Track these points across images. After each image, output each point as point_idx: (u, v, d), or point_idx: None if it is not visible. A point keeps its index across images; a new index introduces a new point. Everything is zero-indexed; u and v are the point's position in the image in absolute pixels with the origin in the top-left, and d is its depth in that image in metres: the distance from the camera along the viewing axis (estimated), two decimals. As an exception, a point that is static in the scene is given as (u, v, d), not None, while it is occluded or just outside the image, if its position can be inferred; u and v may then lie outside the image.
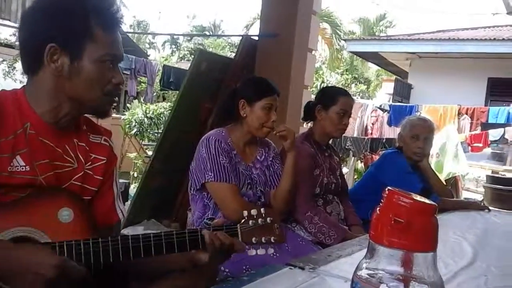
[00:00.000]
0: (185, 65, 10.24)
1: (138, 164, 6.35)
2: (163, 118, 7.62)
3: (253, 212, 1.20)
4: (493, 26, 12.29)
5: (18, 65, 10.25)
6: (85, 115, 1.23)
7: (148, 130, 7.87)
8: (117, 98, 1.23)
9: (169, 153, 3.66)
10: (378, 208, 0.84)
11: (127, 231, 2.98)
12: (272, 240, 1.20)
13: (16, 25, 11.31)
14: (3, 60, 10.81)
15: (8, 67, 10.69)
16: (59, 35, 1.07)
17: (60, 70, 1.08)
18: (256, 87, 1.96)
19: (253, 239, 1.18)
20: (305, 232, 2.10)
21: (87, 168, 1.18)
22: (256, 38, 4.12)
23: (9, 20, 12.06)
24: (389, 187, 0.84)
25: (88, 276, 1.01)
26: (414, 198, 0.81)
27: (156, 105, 8.34)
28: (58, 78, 1.09)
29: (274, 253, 1.77)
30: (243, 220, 1.20)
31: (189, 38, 19.50)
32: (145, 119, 7.72)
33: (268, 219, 1.21)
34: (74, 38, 1.08)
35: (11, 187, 1.04)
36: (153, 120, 7.78)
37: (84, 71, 1.09)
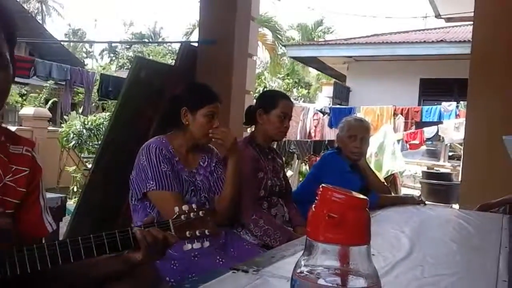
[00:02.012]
0: (125, 74, 9.95)
1: (77, 178, 6.10)
2: (103, 129, 7.37)
3: (185, 207, 1.20)
4: (423, 30, 13.00)
5: None
6: (4, 126, 1.17)
7: (88, 142, 7.58)
8: None
9: (109, 165, 3.53)
10: (313, 206, 0.86)
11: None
12: (206, 233, 1.20)
13: None
14: None
15: None
16: None
17: None
18: (198, 94, 1.95)
19: (187, 233, 1.18)
20: (251, 235, 2.11)
21: (8, 180, 1.12)
22: (196, 44, 4.11)
23: None
24: (323, 185, 0.86)
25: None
26: (347, 193, 0.84)
27: (95, 116, 8.07)
28: None
29: (220, 259, 1.77)
30: (175, 216, 1.19)
31: (128, 46, 19.06)
32: (84, 130, 7.43)
33: (200, 212, 1.21)
34: None
35: None
36: (93, 132, 7.50)
37: None
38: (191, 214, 1.19)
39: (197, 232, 1.18)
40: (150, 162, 1.78)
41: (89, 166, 6.64)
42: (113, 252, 1.10)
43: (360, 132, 2.65)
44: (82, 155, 7.53)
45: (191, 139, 1.92)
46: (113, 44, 18.82)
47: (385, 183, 3.85)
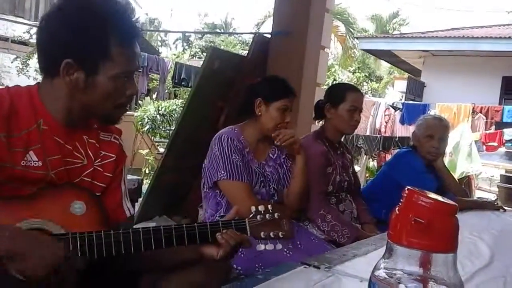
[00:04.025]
0: (197, 63, 10.25)
1: (149, 161, 6.38)
2: (175, 115, 7.63)
3: (261, 208, 1.22)
4: (508, 24, 12.11)
5: (31, 62, 10.35)
6: None
7: (160, 127, 7.89)
8: (127, 107, 1.23)
9: (180, 150, 3.66)
10: (397, 208, 0.83)
11: (139, 226, 3.00)
12: (280, 235, 1.21)
13: (31, 22, 11.43)
14: (17, 57, 10.92)
15: (22, 64, 10.80)
16: (76, 51, 1.06)
17: (75, 83, 1.09)
18: (274, 87, 1.95)
19: (262, 233, 1.20)
20: (318, 230, 2.09)
21: (97, 165, 1.20)
22: (269, 36, 4.11)
23: (23, 18, 12.20)
24: (408, 187, 0.83)
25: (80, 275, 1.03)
26: (435, 198, 0.80)
27: (168, 102, 8.37)
28: (72, 89, 1.10)
29: (287, 251, 1.78)
30: (251, 215, 1.21)
31: (200, 36, 19.53)
32: (158, 116, 7.74)
33: (275, 214, 1.22)
34: (91, 56, 1.08)
35: (25, 182, 1.06)
36: (165, 117, 7.79)
37: (99, 87, 1.10)
38: (267, 215, 1.21)
39: (271, 234, 1.19)
40: (222, 152, 1.81)
41: (161, 150, 6.92)
42: (190, 244, 1.13)
43: (438, 132, 2.52)
44: (155, 139, 7.87)
45: (261, 130, 1.93)
46: (187, 34, 19.38)
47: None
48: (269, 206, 1.23)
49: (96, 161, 1.20)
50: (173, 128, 7.44)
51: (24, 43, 10.59)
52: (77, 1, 1.11)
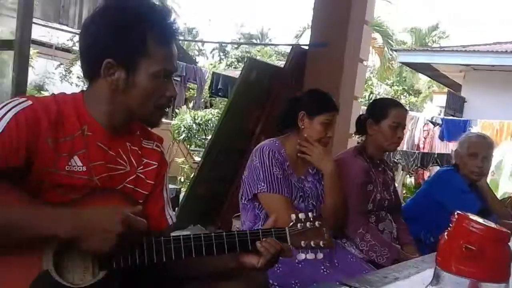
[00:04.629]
0: (232, 73, 10.34)
1: (185, 169, 6.45)
2: (211, 124, 7.71)
3: (301, 216, 1.20)
4: (555, 39, 11.62)
5: (74, 69, 10.71)
6: None
7: (196, 136, 7.98)
8: (167, 109, 1.25)
9: (216, 160, 3.69)
10: (446, 233, 0.80)
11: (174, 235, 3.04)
12: (321, 245, 1.19)
13: (74, 30, 11.86)
14: (61, 64, 11.33)
15: (65, 71, 11.19)
16: (116, 51, 1.10)
17: (116, 83, 1.12)
18: (319, 100, 1.93)
19: (302, 242, 1.18)
20: (356, 249, 2.03)
21: (139, 172, 1.21)
22: (306, 47, 4.10)
23: (67, 25, 12.68)
24: (458, 211, 0.80)
25: (148, 229, 1.07)
26: (487, 224, 0.77)
27: (204, 112, 8.46)
28: (113, 90, 1.13)
29: (325, 269, 1.74)
30: (291, 223, 1.20)
31: (236, 46, 19.73)
32: (194, 125, 7.84)
33: (316, 223, 1.20)
34: (131, 54, 1.10)
35: (70, 188, 1.08)
36: (201, 126, 7.88)
37: (139, 85, 1.12)
38: (308, 224, 1.19)
39: (312, 243, 1.17)
40: (263, 164, 1.80)
41: (196, 158, 6.99)
42: (230, 252, 1.14)
43: (482, 150, 2.43)
44: (190, 148, 7.96)
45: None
46: (223, 44, 19.64)
47: (503, 206, 3.49)
48: (310, 214, 1.21)
49: (139, 168, 1.21)
50: (208, 138, 7.54)
51: (67, 50, 10.98)
52: (116, 4, 1.15)
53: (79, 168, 1.09)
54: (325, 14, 4.00)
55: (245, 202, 1.88)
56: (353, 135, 4.03)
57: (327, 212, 1.90)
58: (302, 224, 1.19)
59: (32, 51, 8.24)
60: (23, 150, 1.01)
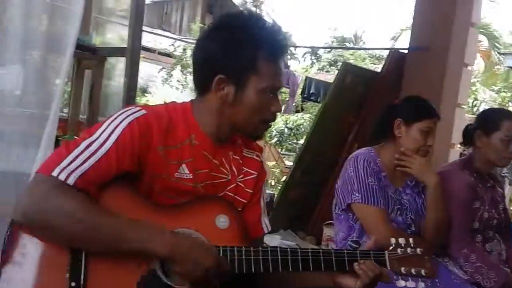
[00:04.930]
0: (324, 76, 10.23)
1: (276, 173, 6.51)
2: (302, 129, 7.70)
3: (401, 240, 1.15)
4: None
5: (175, 73, 11.33)
6: None
7: (287, 140, 8.02)
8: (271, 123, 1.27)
9: (308, 166, 3.67)
10: None
11: (265, 239, 3.05)
12: (423, 273, 1.12)
13: (175, 36, 12.55)
14: (162, 68, 12.04)
15: (166, 75, 11.87)
16: (228, 67, 1.14)
17: (225, 98, 1.16)
18: (417, 106, 1.84)
19: (402, 269, 1.13)
20: (460, 270, 1.88)
21: (239, 181, 1.25)
22: (405, 51, 3.93)
23: (169, 32, 13.46)
24: None
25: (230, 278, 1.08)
26: None
27: (296, 116, 8.48)
28: (222, 104, 1.17)
29: (425, 289, 1.63)
30: (391, 248, 1.15)
31: (329, 50, 19.51)
32: (285, 129, 7.89)
33: (418, 249, 1.14)
34: (241, 71, 1.14)
35: (177, 193, 1.14)
36: (293, 131, 7.92)
37: (247, 101, 1.15)
38: (408, 250, 1.14)
39: (412, 270, 1.12)
40: (357, 174, 1.74)
41: (287, 162, 7.02)
42: (326, 270, 1.12)
43: None
44: (281, 152, 8.02)
45: (397, 153, 1.81)
46: (315, 48, 19.51)
47: None
48: (410, 240, 1.15)
49: (239, 177, 1.25)
50: (299, 142, 7.53)
51: (169, 55, 11.64)
52: (230, 21, 1.19)
53: (187, 176, 1.14)
54: (427, 15, 3.81)
55: (339, 212, 1.84)
56: (458, 145, 3.78)
57: (428, 228, 1.79)
58: (403, 249, 1.14)
59: (138, 56, 8.84)
60: (136, 157, 1.08)
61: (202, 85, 1.19)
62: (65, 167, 1.01)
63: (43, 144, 1.76)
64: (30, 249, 1.01)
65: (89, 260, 1.02)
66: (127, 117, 1.10)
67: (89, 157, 1.03)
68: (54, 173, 1.00)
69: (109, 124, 1.09)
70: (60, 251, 1.01)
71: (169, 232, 1.04)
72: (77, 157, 1.02)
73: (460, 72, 3.79)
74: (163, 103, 1.24)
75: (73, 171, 1.01)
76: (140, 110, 1.12)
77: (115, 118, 1.10)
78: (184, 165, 1.15)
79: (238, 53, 1.14)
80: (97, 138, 1.06)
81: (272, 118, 1.22)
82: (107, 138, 1.06)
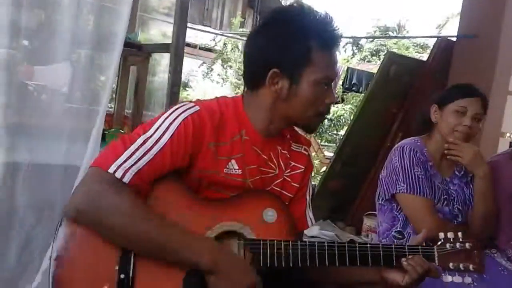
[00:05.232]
0: (366, 66, 10.02)
1: (315, 164, 6.48)
2: (343, 120, 7.60)
3: (450, 235, 1.13)
4: None
5: (215, 67, 11.46)
6: None
7: (327, 131, 7.95)
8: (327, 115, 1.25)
9: (349, 157, 3.63)
10: None
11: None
12: (471, 268, 1.11)
13: (216, 31, 12.68)
14: (203, 63, 12.20)
15: (207, 69, 12.02)
16: (282, 61, 1.13)
17: (279, 92, 1.15)
18: (450, 89, 1.80)
19: (450, 264, 1.11)
20: (507, 261, 1.82)
21: (286, 175, 1.24)
22: (454, 39, 3.79)
23: (210, 27, 13.60)
24: None
25: None
26: None
27: (336, 107, 8.39)
28: (276, 98, 1.16)
29: (472, 282, 1.59)
30: (439, 242, 1.13)
31: (371, 40, 19.08)
32: (326, 120, 7.83)
33: (467, 244, 1.12)
34: (296, 64, 1.13)
35: (225, 187, 1.15)
36: (333, 122, 7.83)
37: (301, 93, 1.14)
38: (457, 244, 1.12)
39: (461, 266, 1.10)
40: (403, 163, 1.70)
41: (326, 153, 6.96)
42: (374, 265, 1.11)
43: None
44: (321, 143, 7.97)
45: (442, 141, 1.76)
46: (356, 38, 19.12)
47: None
48: (459, 234, 1.13)
49: (286, 172, 1.25)
50: (339, 133, 7.44)
51: (209, 49, 11.78)
52: (280, 15, 1.18)
53: (236, 171, 1.15)
54: (477, 2, 3.65)
55: (382, 202, 1.81)
56: (508, 134, 3.62)
57: (476, 219, 1.74)
58: (452, 244, 1.12)
59: (181, 51, 9.00)
60: (189, 154, 1.09)
61: (254, 80, 1.18)
62: (121, 164, 1.01)
63: (92, 139, 1.82)
64: (81, 241, 1.03)
65: (137, 263, 1.02)
66: (181, 113, 1.10)
67: (144, 154, 1.04)
68: (111, 170, 1.00)
69: (164, 120, 1.09)
70: (110, 251, 1.02)
71: (215, 246, 1.04)
72: (133, 153, 1.03)
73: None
74: (214, 98, 1.23)
75: (129, 168, 1.01)
76: (194, 106, 1.12)
77: (170, 114, 1.10)
78: (233, 161, 1.15)
79: (291, 45, 1.12)
80: (152, 134, 1.07)
81: (327, 110, 1.20)
82: (162, 135, 1.07)
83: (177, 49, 2.33)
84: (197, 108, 1.12)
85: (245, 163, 1.16)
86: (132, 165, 1.02)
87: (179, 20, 2.28)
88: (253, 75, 1.19)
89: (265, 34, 1.16)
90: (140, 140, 1.06)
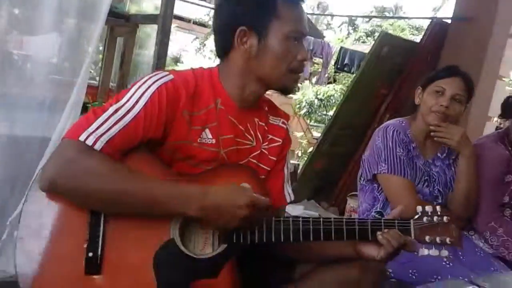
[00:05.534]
0: (360, 47, 9.93)
1: (303, 144, 6.47)
2: (333, 100, 7.56)
3: (428, 208, 1.12)
4: None
5: (208, 43, 11.30)
6: (267, 96, 1.27)
7: (317, 112, 7.91)
8: (301, 74, 1.22)
9: (337, 137, 3.63)
10: None
11: (288, 208, 3.04)
12: (448, 241, 1.10)
13: (211, 5, 12.47)
14: (196, 38, 12.05)
15: (200, 44, 11.87)
16: (248, 17, 1.10)
17: (249, 51, 1.12)
18: (435, 71, 1.77)
19: (427, 237, 1.10)
20: (485, 243, 1.84)
21: (264, 148, 1.22)
22: (448, 21, 3.75)
23: (205, 1, 13.38)
24: None
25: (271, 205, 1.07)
26: None
27: (327, 87, 8.33)
28: (247, 58, 1.13)
29: (447, 262, 1.60)
30: (416, 216, 1.12)
31: (367, 20, 18.91)
32: (316, 100, 7.77)
33: (444, 217, 1.11)
34: (261, 18, 1.11)
35: (199, 159, 1.12)
36: (323, 102, 7.78)
37: (271, 49, 1.12)
38: (435, 218, 1.10)
39: (437, 239, 1.09)
40: (385, 144, 1.69)
41: (315, 134, 6.95)
42: (349, 239, 1.10)
43: None
44: (310, 123, 7.94)
45: (424, 123, 1.75)
46: (353, 18, 18.96)
47: None
48: (438, 208, 1.12)
49: (264, 144, 1.22)
50: (329, 114, 7.42)
51: (203, 24, 11.62)
52: None
53: (209, 141, 1.12)
54: (473, -16, 3.61)
55: (364, 183, 1.80)
56: (495, 118, 3.63)
57: (457, 199, 1.74)
58: (429, 218, 1.10)
59: (172, 25, 8.87)
60: (163, 123, 1.06)
61: (224, 45, 1.16)
62: (92, 132, 0.98)
63: (67, 110, 1.77)
64: (47, 217, 1.00)
65: (107, 231, 1.01)
66: (155, 81, 1.07)
67: (116, 122, 1.01)
68: (81, 138, 0.98)
69: (137, 89, 1.07)
70: (79, 220, 1.00)
71: (201, 193, 1.01)
72: (104, 122, 1.00)
73: (504, 43, 3.61)
74: (190, 68, 1.20)
75: (100, 136, 0.98)
76: (168, 75, 1.10)
77: (144, 83, 1.08)
78: (207, 130, 1.13)
79: (256, 2, 1.11)
80: (125, 103, 1.04)
81: (300, 68, 1.17)
82: (135, 103, 1.04)
83: (165, 20, 2.27)
84: (171, 76, 1.10)
85: (219, 133, 1.14)
86: (104, 133, 0.99)
87: (168, -12, 2.22)
88: (222, 39, 1.17)
89: None
90: (111, 109, 1.03)
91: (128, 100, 1.05)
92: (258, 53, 1.12)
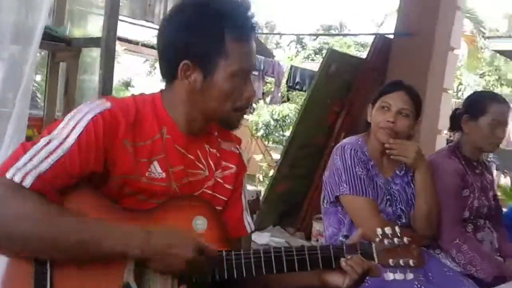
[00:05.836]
0: (310, 65, 10.15)
1: (263, 167, 6.38)
2: (288, 120, 7.58)
3: (387, 230, 1.08)
4: None
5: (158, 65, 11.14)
6: None
7: (274, 132, 7.89)
8: (247, 110, 1.18)
9: (295, 158, 3.60)
10: None
11: (254, 237, 2.95)
12: (411, 264, 1.06)
13: (157, 27, 12.38)
14: (146, 60, 11.85)
15: (150, 67, 11.68)
16: (193, 52, 1.03)
17: (193, 85, 1.05)
18: (382, 87, 1.79)
19: (390, 261, 1.06)
20: (452, 261, 1.82)
21: (217, 176, 1.15)
22: (391, 36, 3.87)
23: (153, 23, 13.24)
24: None
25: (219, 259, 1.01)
26: None
27: (282, 106, 8.36)
28: (190, 92, 1.07)
29: (418, 284, 1.55)
30: (377, 239, 1.08)
31: (314, 38, 19.43)
32: (271, 120, 7.75)
33: (405, 239, 1.07)
34: (208, 55, 1.04)
35: (149, 194, 1.04)
36: (279, 122, 7.79)
37: (216, 87, 1.05)
38: (395, 240, 1.07)
39: (401, 261, 1.05)
40: (345, 164, 1.66)
41: (274, 155, 6.92)
42: (312, 269, 1.05)
43: None
44: (268, 144, 7.90)
45: (375, 140, 1.73)
46: (301, 36, 19.40)
47: None
48: (397, 229, 1.08)
49: (217, 172, 1.15)
50: (286, 134, 7.45)
51: (153, 47, 11.42)
52: (191, 2, 1.08)
53: (159, 175, 1.04)
54: (413, 0, 3.75)
55: (327, 205, 1.75)
56: (444, 132, 3.73)
57: (419, 218, 1.72)
58: (390, 240, 1.06)
59: (120, 48, 8.65)
60: (101, 156, 0.98)
61: (168, 73, 1.09)
62: (20, 168, 0.90)
63: (5, 145, 1.64)
64: None
65: (55, 281, 0.92)
66: (89, 110, 0.99)
67: (47, 156, 0.93)
68: (8, 175, 0.90)
69: (69, 120, 0.98)
70: (24, 270, 0.91)
71: (142, 231, 0.95)
72: (34, 156, 0.92)
73: (445, 57, 3.77)
74: (131, 95, 1.13)
75: (29, 171, 0.90)
76: (104, 103, 1.01)
77: (77, 113, 0.99)
78: (155, 163, 1.04)
79: (202, 35, 1.03)
80: (57, 135, 0.96)
81: (245, 105, 1.11)
82: (68, 135, 0.95)
83: (108, 42, 2.16)
84: (108, 104, 1.01)
85: (168, 165, 1.06)
86: (33, 169, 0.91)
87: (110, 11, 2.12)
88: (165, 68, 1.10)
89: (174, 22, 1.07)
90: (42, 142, 0.94)
91: (60, 132, 0.96)
92: (202, 89, 1.05)
